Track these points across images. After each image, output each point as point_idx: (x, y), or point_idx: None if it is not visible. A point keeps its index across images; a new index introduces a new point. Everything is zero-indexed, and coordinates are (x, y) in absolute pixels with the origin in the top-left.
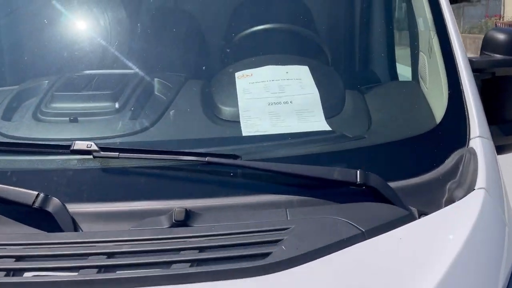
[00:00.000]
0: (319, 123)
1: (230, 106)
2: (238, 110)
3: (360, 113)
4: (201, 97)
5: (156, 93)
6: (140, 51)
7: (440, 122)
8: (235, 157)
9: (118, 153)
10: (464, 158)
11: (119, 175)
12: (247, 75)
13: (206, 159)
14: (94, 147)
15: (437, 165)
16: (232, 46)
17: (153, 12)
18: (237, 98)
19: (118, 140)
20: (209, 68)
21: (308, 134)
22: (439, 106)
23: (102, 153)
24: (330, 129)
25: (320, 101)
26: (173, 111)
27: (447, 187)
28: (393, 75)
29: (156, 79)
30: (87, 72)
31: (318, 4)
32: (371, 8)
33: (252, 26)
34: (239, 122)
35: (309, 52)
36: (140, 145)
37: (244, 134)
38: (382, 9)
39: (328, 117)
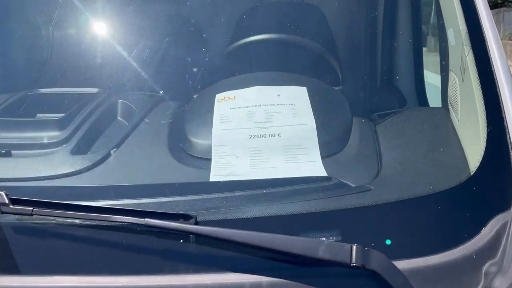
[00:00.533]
0: (312, 165)
1: (202, 138)
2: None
3: (368, 152)
4: (170, 125)
5: (118, 117)
6: (106, 65)
7: (475, 173)
8: (186, 218)
9: (32, 208)
10: (508, 228)
11: (32, 237)
12: (229, 98)
13: (145, 220)
14: (3, 199)
15: (469, 238)
16: (219, 60)
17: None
18: (212, 128)
19: (47, 182)
20: (189, 86)
21: (297, 181)
22: (473, 149)
23: (13, 207)
24: (325, 174)
25: (316, 135)
26: (128, 144)
27: (483, 271)
28: (420, 100)
29: (120, 101)
30: (40, 90)
31: (326, 9)
32: (394, 15)
33: (243, 37)
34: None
35: (314, 69)
36: (70, 191)
37: (211, 179)
38: (408, 16)
39: (325, 156)
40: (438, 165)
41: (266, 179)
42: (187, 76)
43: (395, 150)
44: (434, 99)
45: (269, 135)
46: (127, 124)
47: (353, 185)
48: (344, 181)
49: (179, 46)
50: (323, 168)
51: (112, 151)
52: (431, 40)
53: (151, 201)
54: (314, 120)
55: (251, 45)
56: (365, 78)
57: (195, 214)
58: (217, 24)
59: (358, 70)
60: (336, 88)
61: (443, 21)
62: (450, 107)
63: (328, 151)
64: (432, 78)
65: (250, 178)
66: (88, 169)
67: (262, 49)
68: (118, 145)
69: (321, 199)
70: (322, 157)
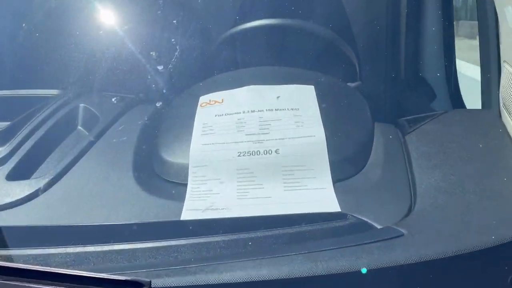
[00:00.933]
0: (320, 195)
1: (177, 156)
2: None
3: (396, 176)
4: (140, 137)
5: (79, 127)
6: (67, 61)
7: None
8: (137, 286)
9: None
10: None
11: None
12: (215, 101)
13: None
14: None
15: None
16: (206, 52)
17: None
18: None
19: None
20: (167, 87)
21: (299, 220)
22: None
23: None
24: (338, 209)
25: (326, 151)
26: (84, 164)
27: None
28: (454, 98)
29: (82, 106)
30: None
31: None
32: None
33: (238, 24)
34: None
35: (324, 61)
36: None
37: (183, 216)
38: None
39: (338, 180)
40: (499, 198)
41: (257, 217)
42: (164, 73)
43: (434, 172)
44: (470, 98)
45: (264, 151)
46: (87, 134)
47: (377, 227)
48: (364, 220)
49: (155, 37)
50: (336, 199)
51: (62, 174)
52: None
53: (96, 249)
54: (323, 131)
55: (247, 33)
56: (388, 72)
57: (148, 281)
58: (208, 4)
59: (379, 62)
60: (352, 84)
61: None
62: (503, 109)
63: (342, 174)
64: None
65: (235, 215)
66: (23, 201)
67: (259, 38)
68: (70, 166)
69: (332, 250)
70: (334, 183)
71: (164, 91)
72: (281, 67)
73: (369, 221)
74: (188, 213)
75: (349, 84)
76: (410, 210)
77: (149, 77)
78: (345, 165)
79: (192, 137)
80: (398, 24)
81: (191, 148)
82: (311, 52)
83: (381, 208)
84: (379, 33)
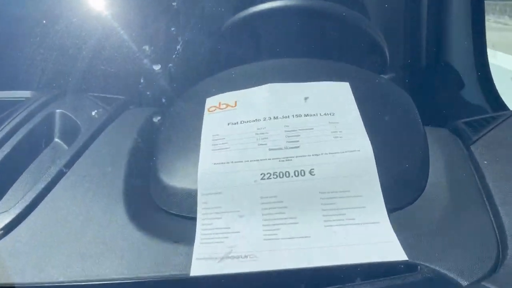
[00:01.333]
0: (374, 231)
1: (183, 181)
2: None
3: (469, 201)
4: (132, 153)
5: (56, 139)
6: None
7: None
8: None
9: None
10: None
11: None
12: (226, 105)
13: None
14: None
15: None
16: (212, 41)
17: None
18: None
19: None
20: (165, 86)
21: (351, 272)
22: None
23: None
24: (405, 257)
25: (376, 171)
26: (59, 191)
27: None
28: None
29: (59, 112)
30: None
31: None
32: None
33: (252, 4)
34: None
35: (352, 49)
36: None
37: (192, 271)
38: None
39: (392, 209)
40: None
41: (292, 270)
42: (162, 69)
43: None
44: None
45: (295, 172)
46: (66, 150)
47: (462, 283)
48: (443, 272)
49: (148, 25)
50: (397, 241)
51: (31, 207)
52: None
53: None
54: (369, 143)
55: (260, 17)
56: (419, 60)
57: None
58: None
59: (417, 49)
60: (385, 77)
61: None
62: None
63: (396, 201)
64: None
65: (265, 268)
66: None
67: (277, 24)
68: (42, 195)
69: None
70: (388, 214)
71: (161, 91)
72: (306, 59)
73: (448, 273)
74: (200, 264)
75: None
76: (499, 258)
77: (142, 74)
78: (400, 189)
79: (200, 153)
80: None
81: (199, 169)
82: (336, 39)
83: (459, 254)
84: (407, 15)
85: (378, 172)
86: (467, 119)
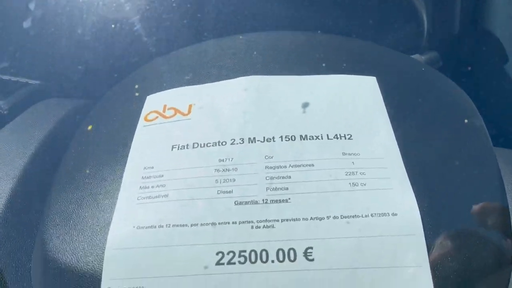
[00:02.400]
0: None
1: (83, 256)
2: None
3: None
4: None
5: None
6: None
7: None
8: None
9: None
10: None
11: None
12: (175, 111)
13: None
14: None
15: None
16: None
17: None
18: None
19: None
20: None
21: None
22: None
23: None
24: None
25: (427, 256)
26: None
27: None
28: None
29: None
30: None
31: None
32: None
33: None
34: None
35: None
36: None
37: None
38: None
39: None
40: None
41: None
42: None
43: None
44: None
45: (278, 254)
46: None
47: None
48: None
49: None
50: None
51: None
52: None
53: None
54: (414, 198)
55: None
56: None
57: None
58: None
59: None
60: (422, 57)
61: None
62: None
63: (458, 265)
64: None
65: None
66: None
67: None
68: None
69: None
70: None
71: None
72: (307, 34)
73: None
74: None
75: (416, 56)
76: None
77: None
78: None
79: (116, 205)
80: None
81: (108, 239)
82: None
83: None
84: None
85: (431, 256)
86: None
